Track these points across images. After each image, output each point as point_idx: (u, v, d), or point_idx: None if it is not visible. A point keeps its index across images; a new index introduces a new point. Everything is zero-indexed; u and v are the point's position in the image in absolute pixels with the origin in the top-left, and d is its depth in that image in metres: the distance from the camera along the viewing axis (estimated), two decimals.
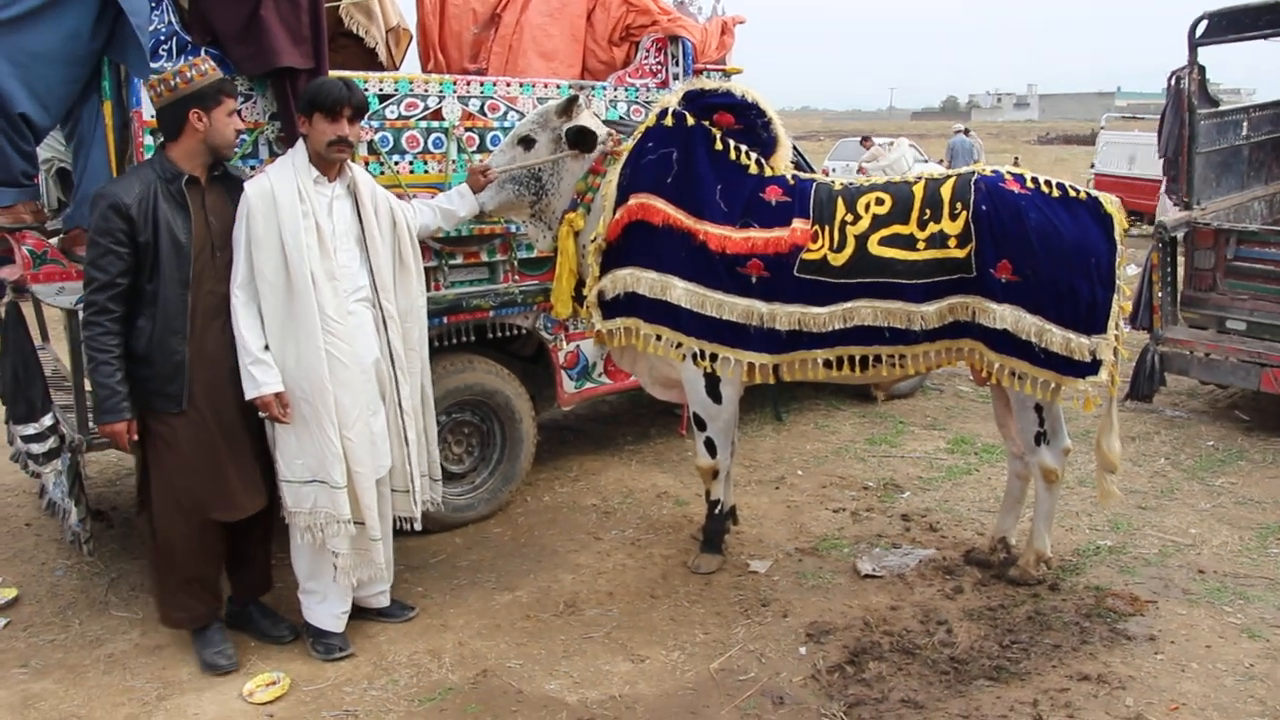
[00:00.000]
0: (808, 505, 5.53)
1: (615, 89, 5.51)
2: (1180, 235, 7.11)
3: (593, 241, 4.43)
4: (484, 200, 4.47)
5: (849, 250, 4.19)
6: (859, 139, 22.89)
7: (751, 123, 4.44)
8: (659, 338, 4.36)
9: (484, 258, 5.18)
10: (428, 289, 4.41)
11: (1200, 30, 7.26)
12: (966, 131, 21.60)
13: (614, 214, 4.37)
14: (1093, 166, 20.85)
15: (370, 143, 4.67)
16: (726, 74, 5.95)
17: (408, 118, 4.81)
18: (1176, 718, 3.53)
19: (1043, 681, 3.73)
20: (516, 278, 5.28)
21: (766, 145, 4.46)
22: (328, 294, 3.77)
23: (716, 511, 4.76)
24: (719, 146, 4.36)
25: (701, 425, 4.58)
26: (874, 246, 4.18)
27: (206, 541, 3.89)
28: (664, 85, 5.70)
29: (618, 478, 6.02)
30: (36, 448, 4.35)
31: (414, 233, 4.18)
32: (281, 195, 3.74)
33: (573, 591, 4.53)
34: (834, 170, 20.69)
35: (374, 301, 3.99)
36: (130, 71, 4.03)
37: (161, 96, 3.68)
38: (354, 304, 3.90)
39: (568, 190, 4.54)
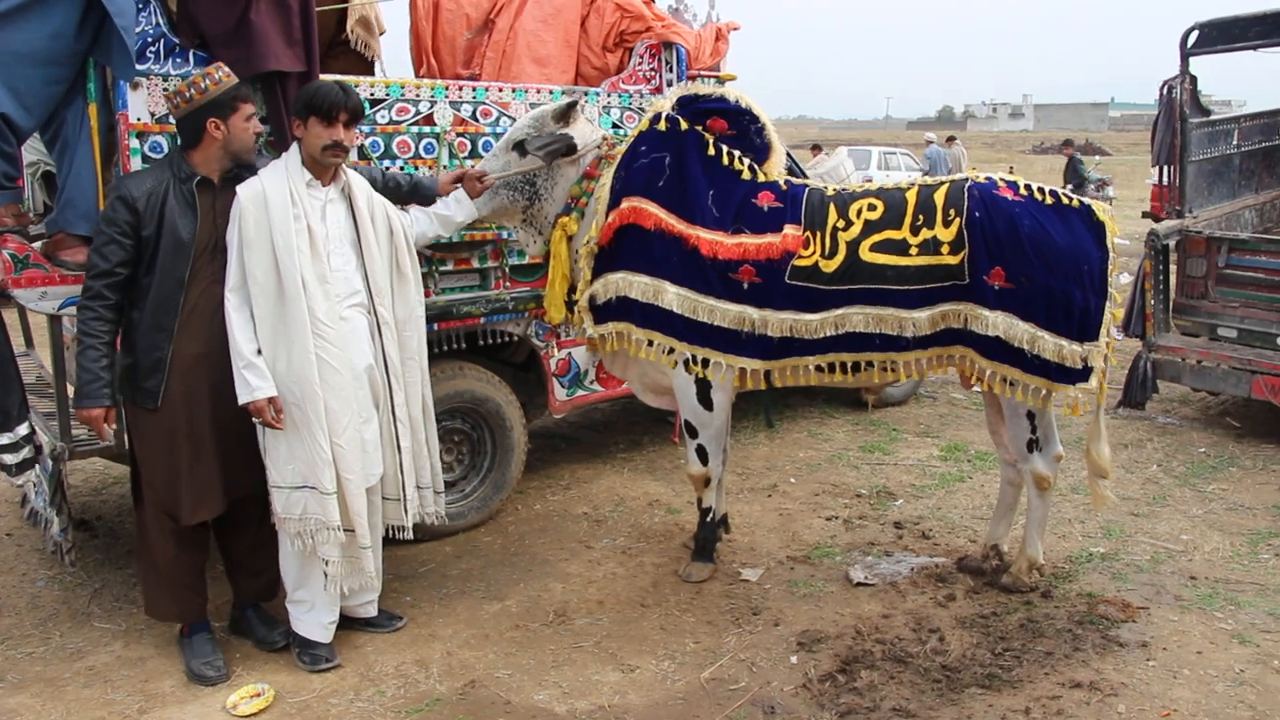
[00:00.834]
0: (800, 513, 5.50)
1: (609, 95, 5.48)
2: (1172, 243, 7.11)
3: (585, 245, 4.40)
4: (477, 205, 4.43)
5: (841, 256, 4.16)
6: (810, 147, 22.85)
7: (745, 129, 4.42)
8: (651, 343, 4.33)
9: (475, 264, 5.15)
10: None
11: (1192, 40, 7.28)
12: (951, 140, 21.57)
13: (606, 217, 4.34)
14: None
15: (361, 147, 4.64)
16: (721, 80, 5.94)
17: (399, 122, 4.78)
18: None
19: (1035, 689, 3.69)
20: (508, 284, 5.25)
21: (760, 151, 4.43)
22: (319, 298, 3.73)
23: (708, 519, 4.73)
24: (712, 152, 4.34)
25: (693, 433, 4.55)
26: (866, 253, 4.15)
27: (183, 541, 3.88)
28: (658, 91, 5.68)
29: (609, 486, 5.99)
30: (9, 458, 4.30)
31: (411, 241, 4.14)
32: (273, 198, 3.71)
33: (563, 600, 4.49)
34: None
35: (368, 307, 3.94)
36: (115, 74, 3.99)
37: (179, 108, 3.71)
38: (347, 309, 3.86)
39: (561, 195, 4.51)
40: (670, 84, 5.66)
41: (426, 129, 4.86)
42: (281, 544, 3.93)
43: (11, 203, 3.97)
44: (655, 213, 4.25)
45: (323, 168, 3.85)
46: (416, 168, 4.82)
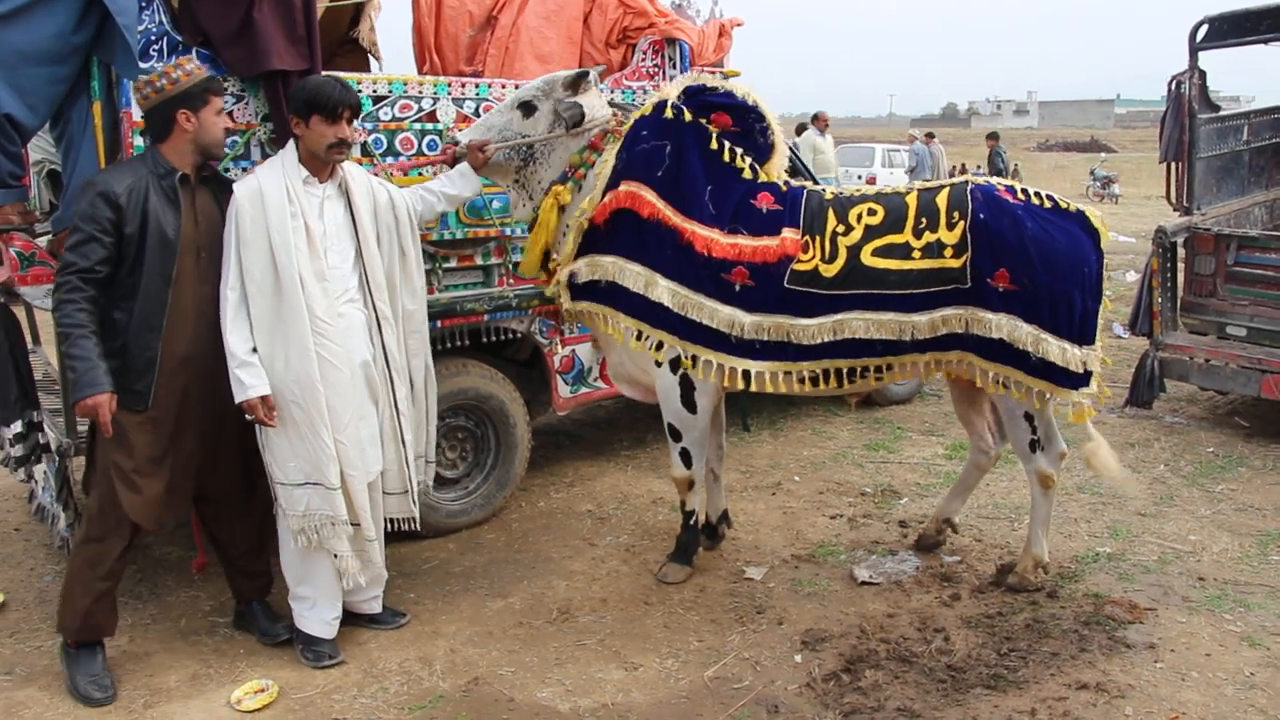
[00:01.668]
0: (804, 511, 5.49)
1: (612, 91, 5.47)
2: (1180, 240, 7.08)
3: (576, 218, 4.33)
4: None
5: (841, 261, 4.12)
6: (811, 118, 22.71)
7: (750, 126, 4.37)
8: (640, 334, 4.28)
9: (478, 261, 5.14)
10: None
11: (1201, 35, 7.24)
12: (930, 137, 21.38)
13: (603, 196, 4.29)
14: None
15: (364, 144, 4.64)
16: (725, 77, 5.92)
17: (402, 119, 4.78)
18: None
19: (1041, 690, 3.68)
20: (511, 281, 5.24)
21: (762, 151, 4.39)
22: (317, 295, 3.73)
23: (691, 523, 4.70)
24: (714, 146, 4.29)
25: (676, 436, 4.51)
26: (867, 257, 4.12)
27: (108, 553, 3.75)
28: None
29: (613, 483, 5.98)
30: (15, 450, 4.32)
31: (415, 221, 4.14)
32: (270, 196, 3.70)
33: (566, 598, 4.49)
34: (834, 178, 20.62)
35: (366, 302, 3.94)
36: (118, 72, 3.99)
37: (148, 99, 3.64)
38: (345, 305, 3.86)
39: (559, 162, 4.42)
40: (674, 80, 5.64)
41: (429, 126, 4.86)
42: (282, 541, 3.93)
43: (17, 201, 3.99)
44: (653, 201, 4.19)
45: (321, 165, 3.84)
46: (419, 165, 4.81)
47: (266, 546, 4.07)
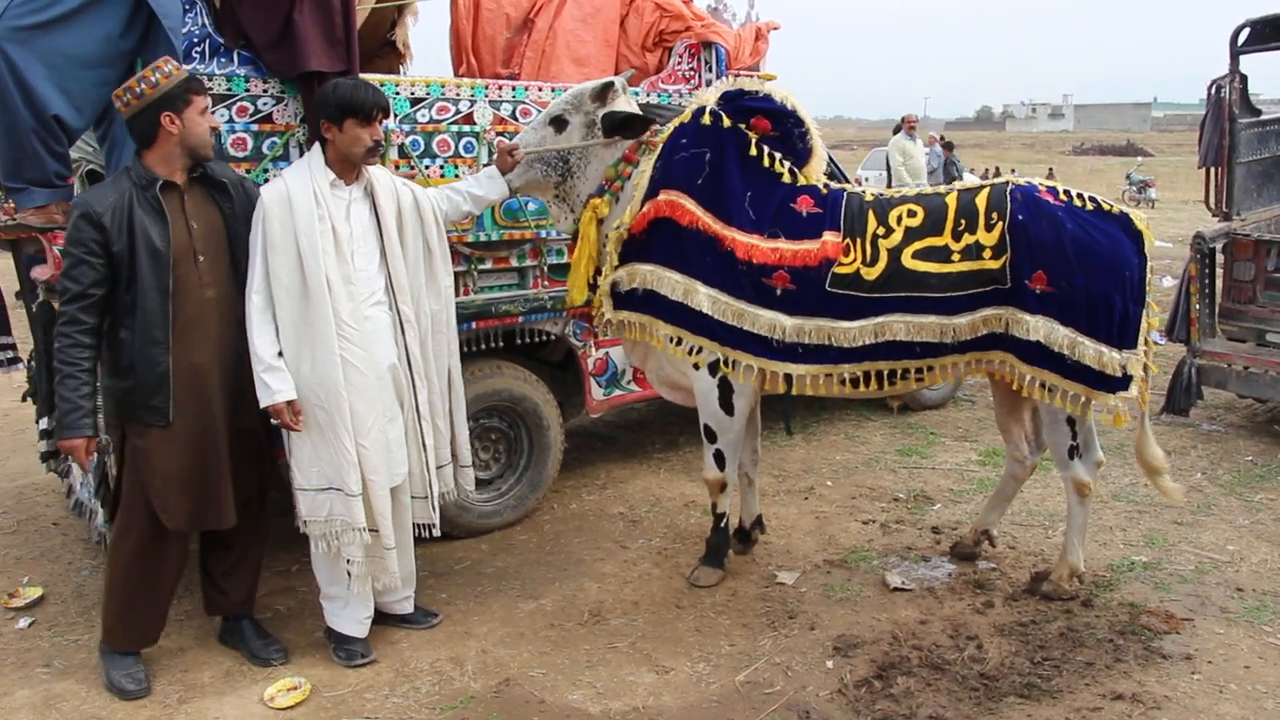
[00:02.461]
0: (837, 516, 5.46)
1: (648, 94, 5.46)
2: (1219, 246, 6.98)
3: (615, 230, 4.36)
4: (511, 179, 4.36)
5: (882, 264, 4.11)
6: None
7: (788, 131, 4.36)
8: (678, 340, 4.28)
9: (514, 263, 5.15)
10: (456, 294, 4.36)
11: (1243, 38, 7.15)
12: (942, 140, 21.06)
13: (641, 206, 4.30)
14: None
15: (401, 146, 4.65)
16: (759, 79, 5.90)
17: (439, 121, 4.79)
18: None
19: (1075, 700, 3.64)
20: (546, 283, 5.25)
21: (801, 155, 4.37)
22: (343, 299, 3.73)
23: (722, 525, 4.68)
24: (753, 152, 4.28)
25: (712, 437, 4.50)
26: (908, 260, 4.10)
27: (166, 563, 3.79)
28: (697, 91, 5.65)
29: (645, 486, 5.97)
30: (46, 445, 4.35)
31: (441, 220, 4.13)
32: (297, 199, 3.71)
33: (598, 600, 4.48)
34: (866, 179, 20.50)
35: (391, 305, 3.94)
36: None
37: (129, 106, 3.57)
38: (370, 309, 3.86)
39: (595, 175, 4.44)
40: (709, 84, 5.64)
41: (466, 128, 4.87)
42: (310, 544, 3.92)
43: (62, 200, 4.02)
44: (692, 209, 4.19)
45: (349, 167, 3.85)
46: (456, 167, 4.83)
47: (248, 561, 4.04)
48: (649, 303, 4.31)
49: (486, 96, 4.94)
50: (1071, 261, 3.98)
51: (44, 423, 4.72)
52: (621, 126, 4.36)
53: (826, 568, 4.80)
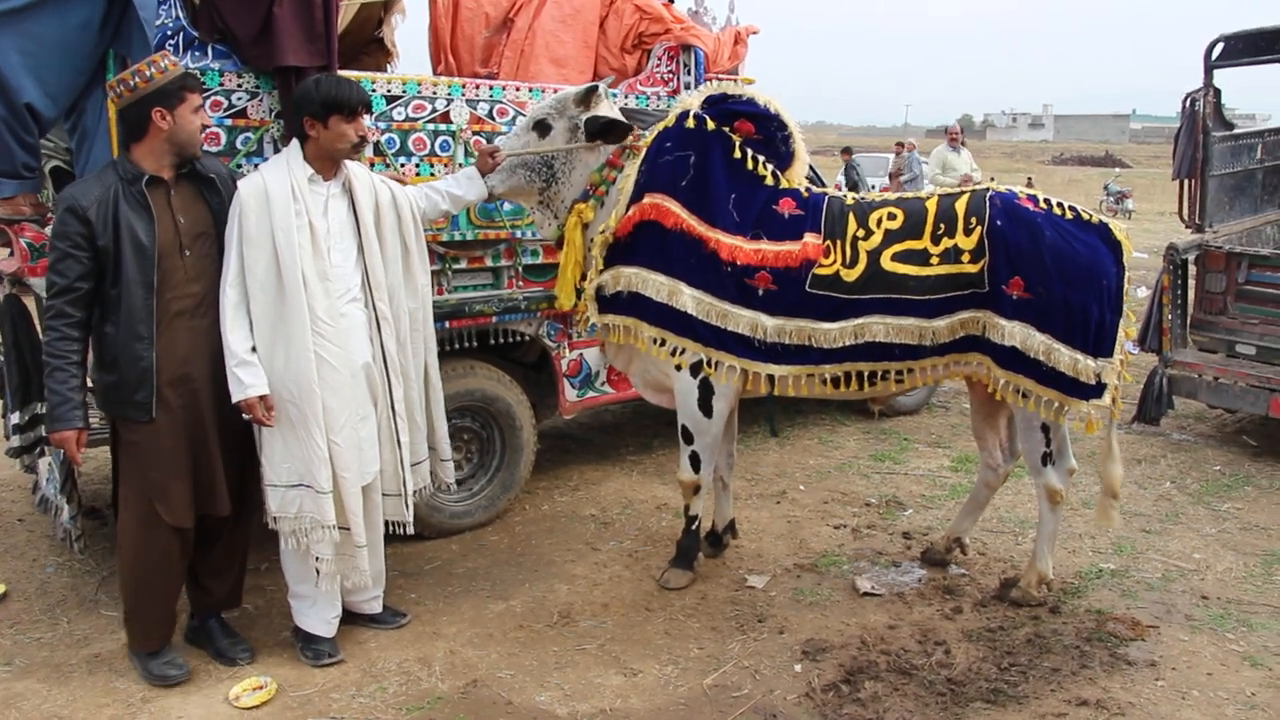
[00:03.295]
0: (808, 521, 5.48)
1: (626, 96, 5.47)
2: (1192, 258, 7.05)
3: (600, 234, 4.37)
4: (493, 183, 4.37)
5: (862, 266, 4.14)
6: (840, 150, 22.72)
7: (771, 134, 4.39)
8: (662, 342, 4.30)
9: (488, 263, 5.14)
10: (431, 294, 4.35)
11: (1217, 53, 7.21)
12: (909, 146, 21.03)
13: (626, 210, 4.32)
14: None
15: (376, 144, 4.64)
16: (737, 83, 5.92)
17: (415, 120, 4.78)
18: None
19: (1041, 706, 3.66)
20: (520, 284, 5.24)
21: (784, 158, 4.40)
22: (319, 295, 3.72)
23: (693, 528, 4.69)
24: (737, 154, 4.31)
25: (688, 439, 4.51)
26: (887, 262, 4.14)
27: (172, 557, 3.77)
28: (675, 94, 5.66)
29: (618, 488, 5.97)
30: (16, 440, 4.32)
31: (419, 218, 4.13)
32: (275, 194, 3.69)
33: (567, 602, 4.48)
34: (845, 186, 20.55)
35: (368, 302, 3.93)
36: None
37: (122, 97, 3.56)
38: (346, 305, 3.85)
39: (580, 180, 4.46)
40: (689, 87, 5.65)
41: (442, 126, 4.86)
42: (280, 541, 3.91)
43: (30, 192, 3.99)
44: (677, 212, 4.22)
45: (328, 164, 3.84)
46: (431, 165, 4.82)
47: (237, 551, 4.03)
48: (634, 305, 4.32)
49: (463, 95, 4.93)
50: (1049, 268, 4.01)
51: (15, 417, 4.67)
52: (605, 131, 4.37)
53: (797, 572, 4.81)
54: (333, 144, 3.79)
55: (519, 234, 5.13)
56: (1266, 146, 7.92)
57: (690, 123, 4.33)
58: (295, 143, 3.84)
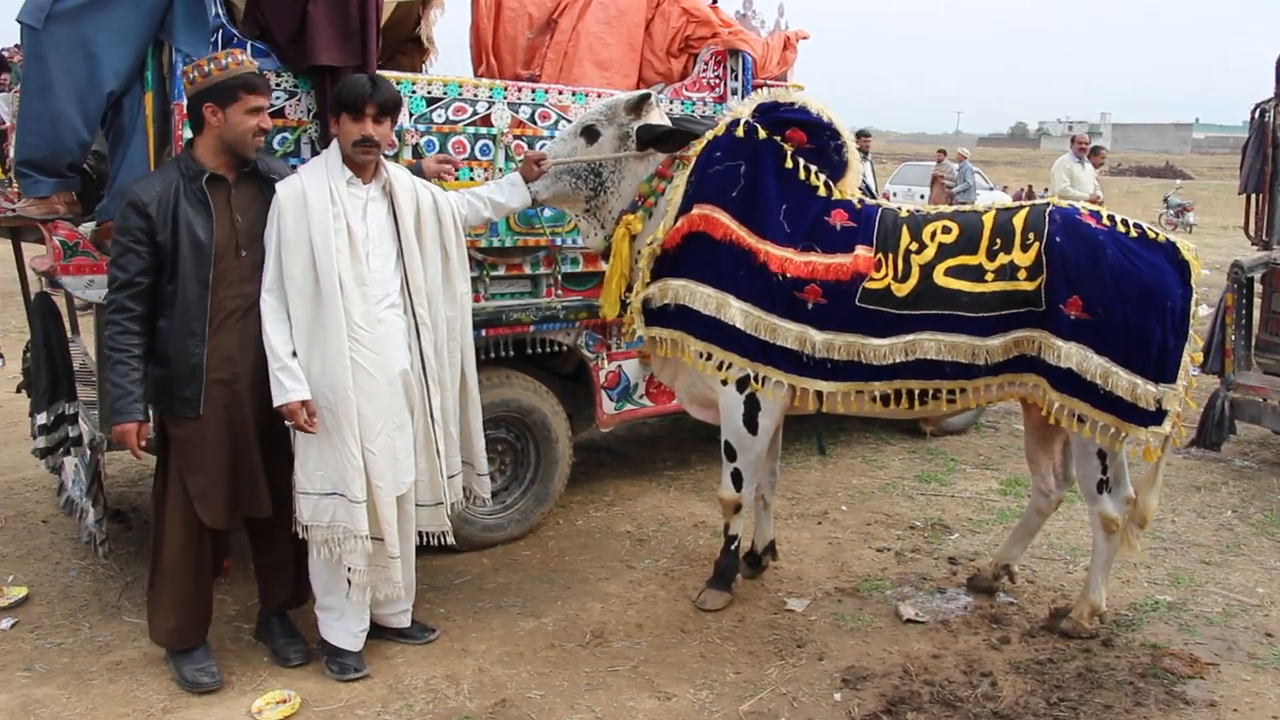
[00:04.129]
0: (850, 543, 5.43)
1: (671, 102, 5.46)
2: (1258, 276, 6.93)
3: (648, 246, 4.37)
4: (537, 189, 4.39)
5: (914, 280, 4.11)
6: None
7: (824, 143, 4.37)
8: (708, 356, 4.29)
9: (526, 270, 5.15)
10: (471, 302, 4.35)
11: None
12: (960, 158, 20.82)
13: (675, 221, 4.31)
14: None
15: (415, 147, 4.66)
16: (787, 90, 5.89)
17: (455, 122, 4.80)
18: None
19: None
20: (559, 292, 5.25)
21: (836, 168, 4.38)
22: (356, 300, 3.74)
23: (732, 547, 4.67)
24: (789, 164, 4.29)
25: (731, 455, 4.49)
26: (940, 277, 4.10)
27: (204, 557, 3.86)
28: (721, 100, 5.66)
29: (654, 504, 5.96)
30: (42, 441, 4.36)
31: (460, 225, 4.14)
32: (313, 197, 3.72)
33: (601, 621, 4.47)
34: (895, 194, 20.45)
35: (406, 308, 3.95)
36: (180, 53, 4.02)
37: (188, 87, 3.68)
38: (384, 311, 3.87)
39: (628, 191, 4.47)
40: (735, 93, 5.64)
41: (483, 130, 4.87)
42: (310, 550, 3.93)
43: (66, 190, 4.04)
44: (726, 223, 4.21)
45: (361, 165, 3.85)
46: (471, 170, 4.83)
47: (302, 550, 4.05)
48: (681, 318, 4.31)
49: (505, 98, 4.94)
50: (1109, 288, 3.95)
51: (41, 417, 4.73)
52: (659, 141, 4.37)
53: (838, 596, 4.77)
54: (342, 142, 3.82)
55: (559, 241, 5.13)
56: None
57: (740, 131, 4.32)
58: (334, 145, 3.87)
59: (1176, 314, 4.00)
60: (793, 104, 4.39)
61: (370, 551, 3.84)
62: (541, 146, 4.88)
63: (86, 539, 4.59)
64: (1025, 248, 4.06)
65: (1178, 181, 41.37)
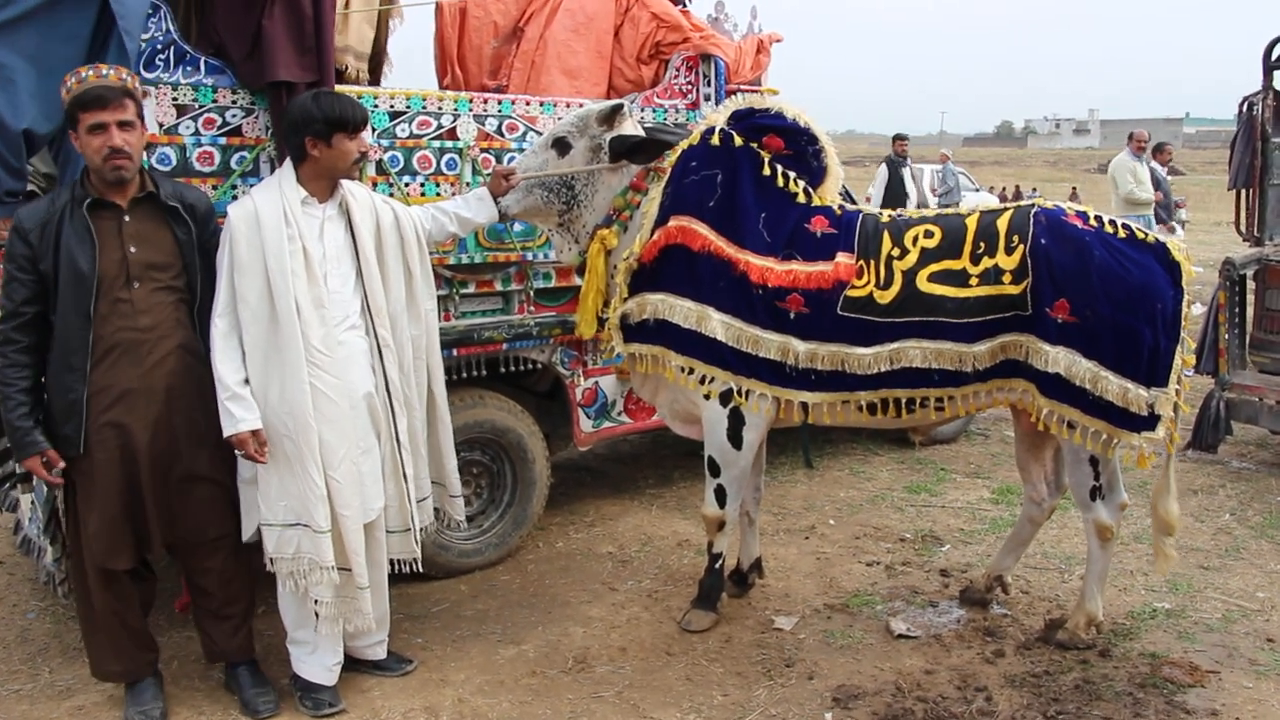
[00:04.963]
0: (839, 557, 5.44)
1: (642, 110, 5.47)
2: (1250, 273, 6.98)
3: (624, 260, 4.38)
4: (508, 204, 4.38)
5: (896, 287, 4.13)
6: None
7: (802, 149, 4.39)
8: (690, 370, 4.30)
9: (497, 286, 5.15)
10: (437, 319, 4.34)
11: (1277, 53, 7.17)
12: (944, 159, 20.80)
13: (651, 235, 4.32)
14: None
15: (379, 163, 4.66)
16: (762, 95, 5.92)
17: (420, 136, 4.80)
18: None
19: None
20: (532, 309, 5.24)
21: (815, 174, 4.40)
22: (314, 323, 3.72)
23: (717, 566, 4.67)
24: (766, 172, 4.31)
25: (715, 471, 4.50)
26: (923, 283, 4.12)
27: (123, 594, 3.79)
28: (694, 106, 5.68)
29: (636, 524, 5.95)
30: None
31: (424, 241, 4.14)
32: (266, 218, 3.70)
33: (583, 646, 4.46)
34: (875, 199, 20.48)
35: (368, 329, 3.94)
36: None
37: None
38: (344, 333, 3.85)
39: (602, 204, 4.47)
40: (708, 99, 5.67)
41: (449, 144, 4.88)
42: (278, 583, 3.90)
43: (6, 217, 4.01)
44: (704, 234, 4.22)
45: (325, 185, 3.85)
46: (437, 184, 4.83)
47: (236, 617, 4.00)
48: (661, 333, 4.32)
49: (471, 110, 4.94)
50: (1097, 290, 3.97)
51: None
52: (632, 152, 4.38)
53: (827, 612, 4.77)
54: (335, 163, 3.81)
55: (530, 256, 5.13)
56: None
57: (716, 140, 4.33)
58: (288, 164, 3.86)
59: (1167, 316, 4.02)
60: (768, 110, 4.41)
61: (338, 582, 3.82)
62: (510, 160, 4.89)
63: (45, 579, 4.54)
64: (1010, 251, 4.08)
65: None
